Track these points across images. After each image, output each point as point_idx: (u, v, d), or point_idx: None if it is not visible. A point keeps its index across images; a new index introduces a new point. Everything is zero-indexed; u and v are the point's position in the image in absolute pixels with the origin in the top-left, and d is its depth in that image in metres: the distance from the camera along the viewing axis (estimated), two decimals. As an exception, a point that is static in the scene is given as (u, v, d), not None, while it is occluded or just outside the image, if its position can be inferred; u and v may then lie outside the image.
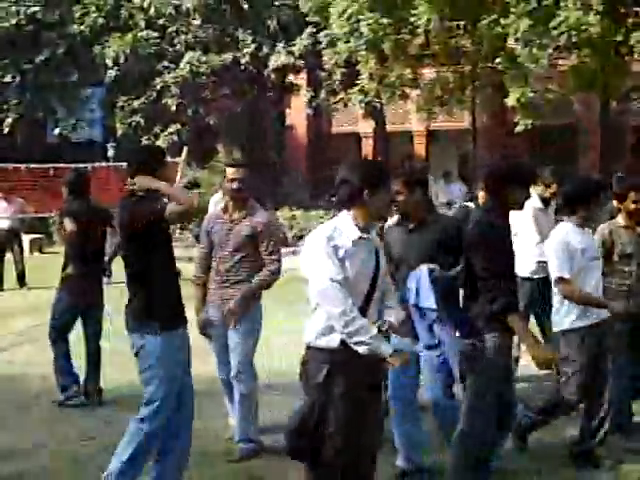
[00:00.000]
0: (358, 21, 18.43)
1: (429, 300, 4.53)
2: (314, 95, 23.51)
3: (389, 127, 24.50)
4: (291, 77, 24.13)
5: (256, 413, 5.68)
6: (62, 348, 6.92)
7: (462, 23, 19.13)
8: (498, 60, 17.81)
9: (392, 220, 5.44)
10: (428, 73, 20.32)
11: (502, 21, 17.05)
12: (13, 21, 23.41)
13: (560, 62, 18.37)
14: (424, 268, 4.62)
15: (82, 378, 6.98)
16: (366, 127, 25.14)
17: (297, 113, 26.20)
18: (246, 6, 22.33)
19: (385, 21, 18.18)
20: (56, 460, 5.81)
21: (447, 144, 25.97)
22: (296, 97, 24.79)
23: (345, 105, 22.62)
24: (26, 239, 19.37)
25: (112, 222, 6.90)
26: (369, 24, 18.13)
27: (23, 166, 21.12)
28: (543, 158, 20.71)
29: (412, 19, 17.70)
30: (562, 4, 16.47)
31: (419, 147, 26.54)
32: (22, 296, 13.66)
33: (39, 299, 11.84)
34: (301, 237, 21.67)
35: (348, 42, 18.99)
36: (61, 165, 21.25)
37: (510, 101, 17.96)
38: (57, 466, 5.74)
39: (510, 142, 22.46)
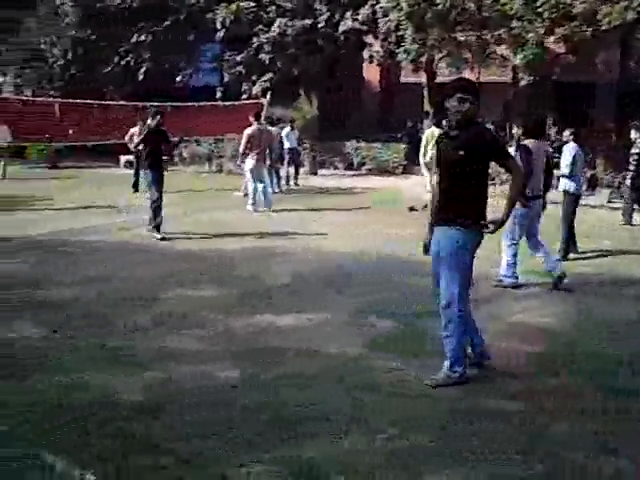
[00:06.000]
0: (399, -3, 22.11)
1: None
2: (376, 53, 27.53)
3: (444, 78, 27.15)
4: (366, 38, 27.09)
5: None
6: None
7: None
8: (502, 30, 21.51)
9: None
10: (460, 36, 23.28)
11: (501, 0, 20.73)
12: (146, -6, 27.83)
13: (557, 30, 21.06)
14: None
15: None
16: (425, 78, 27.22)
17: (372, 66, 29.30)
18: (325, -18, 26.28)
19: (420, -2, 21.94)
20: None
21: (493, 95, 28.64)
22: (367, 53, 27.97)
23: (399, 62, 25.77)
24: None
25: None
26: (407, 1, 21.88)
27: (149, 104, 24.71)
28: (565, 107, 24.74)
29: (433, -3, 21.16)
30: (547, -12, 19.96)
31: (469, 96, 30.19)
32: (146, 198, 16.54)
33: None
34: (363, 164, 26.83)
35: (394, 14, 23.06)
36: (175, 104, 26.32)
37: (516, 61, 22.37)
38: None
39: (537, 94, 26.20)
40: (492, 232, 5.83)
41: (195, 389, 5.60)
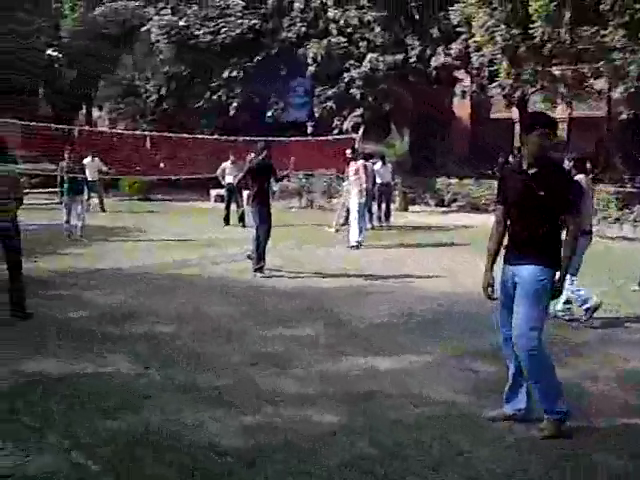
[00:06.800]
0: (494, 32, 21.74)
1: None
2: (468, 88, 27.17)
3: (536, 114, 27.73)
4: (456, 73, 27.11)
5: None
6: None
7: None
8: (602, 62, 20.69)
9: None
10: (555, 70, 22.89)
11: (602, 32, 19.97)
12: (238, 31, 28.26)
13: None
14: None
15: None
16: (517, 114, 26.77)
17: (462, 102, 29.71)
18: (417, 16, 25.93)
19: (515, 32, 21.39)
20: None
21: (585, 130, 27.75)
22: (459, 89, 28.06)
23: (490, 97, 25.74)
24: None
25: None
26: (502, 34, 21.52)
27: (242, 138, 24.62)
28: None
29: (530, 31, 20.67)
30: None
31: (560, 132, 29.53)
32: (238, 232, 17.37)
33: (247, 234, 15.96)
34: (454, 200, 26.40)
35: (487, 48, 22.59)
36: (266, 138, 26.31)
37: (616, 94, 21.78)
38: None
39: (635, 127, 24.91)
40: (558, 296, 5.80)
41: (292, 435, 5.31)
